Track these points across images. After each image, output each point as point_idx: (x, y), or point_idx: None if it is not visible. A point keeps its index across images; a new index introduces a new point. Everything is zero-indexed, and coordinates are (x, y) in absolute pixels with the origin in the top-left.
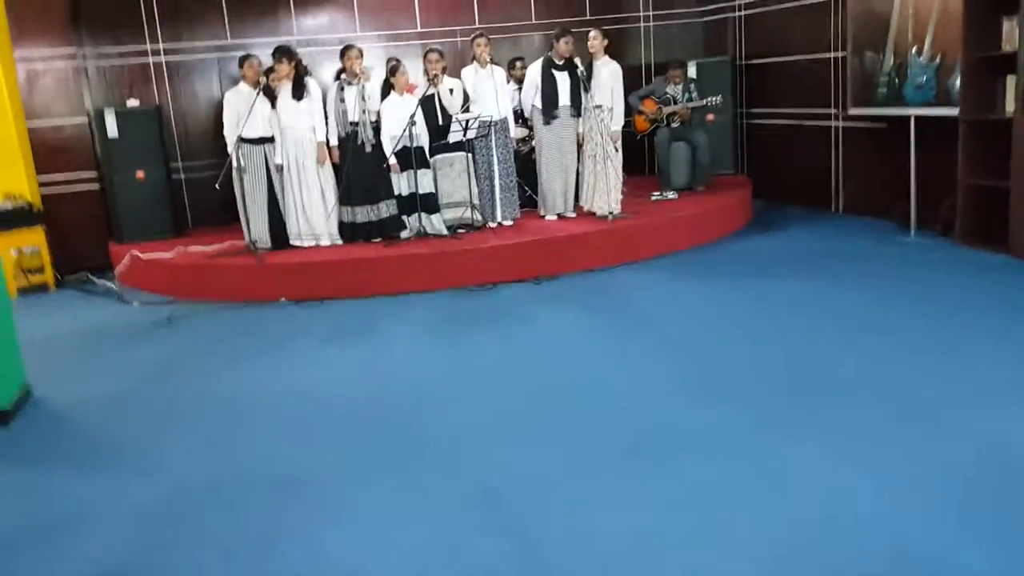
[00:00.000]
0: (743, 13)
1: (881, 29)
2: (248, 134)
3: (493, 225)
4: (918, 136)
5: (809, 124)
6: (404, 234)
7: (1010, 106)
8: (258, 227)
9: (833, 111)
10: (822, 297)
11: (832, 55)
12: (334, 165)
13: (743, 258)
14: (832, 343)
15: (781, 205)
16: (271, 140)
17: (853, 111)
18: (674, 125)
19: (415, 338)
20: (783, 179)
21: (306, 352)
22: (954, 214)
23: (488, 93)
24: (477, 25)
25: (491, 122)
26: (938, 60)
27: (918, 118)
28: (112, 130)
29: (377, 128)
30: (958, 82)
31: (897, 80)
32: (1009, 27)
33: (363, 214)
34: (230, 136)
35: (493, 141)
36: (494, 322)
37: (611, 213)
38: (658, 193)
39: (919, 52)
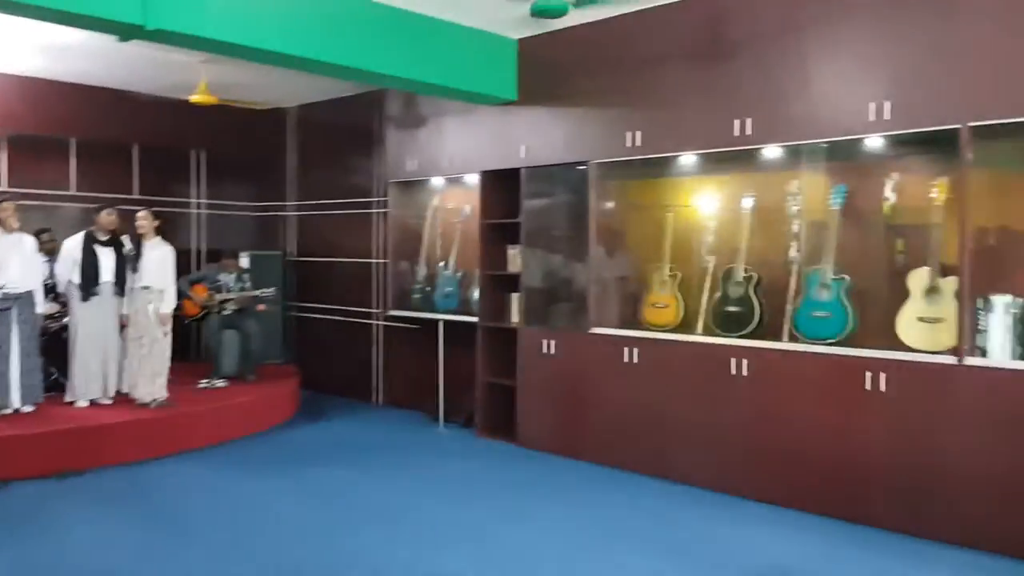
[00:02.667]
0: (295, 213)
1: (416, 243)
2: None
3: (8, 411)
4: (446, 338)
5: (353, 321)
6: None
7: (515, 317)
8: None
9: (375, 310)
10: (360, 484)
11: (375, 261)
12: None
13: (290, 448)
14: (365, 530)
15: (328, 396)
16: None
17: (392, 312)
18: (226, 312)
19: None
20: (330, 371)
21: None
22: (474, 408)
23: (13, 262)
24: (5, 188)
25: (16, 295)
26: (461, 274)
27: (445, 322)
28: None
29: None
30: (476, 293)
31: (429, 288)
32: (513, 253)
33: None
34: None
35: (15, 315)
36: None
37: (155, 400)
38: (206, 381)
39: (446, 266)
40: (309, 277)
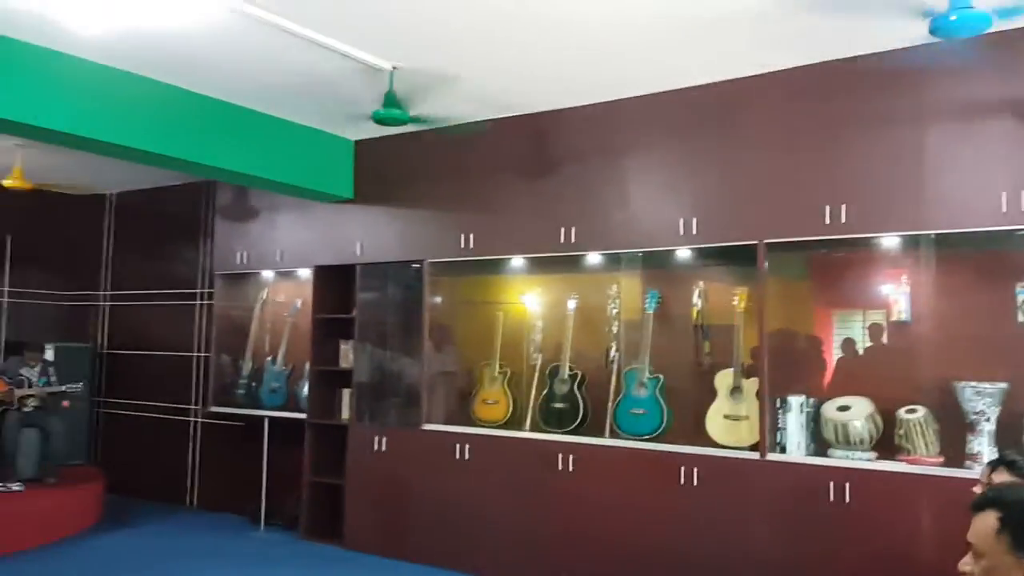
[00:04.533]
0: (108, 304)
1: (242, 337)
2: None
3: None
4: (271, 436)
5: (169, 418)
6: None
7: (346, 413)
8: None
9: (193, 407)
10: None
11: (195, 354)
12: None
13: (91, 559)
14: None
15: (138, 500)
16: None
17: (213, 408)
18: (26, 409)
19: None
20: (140, 473)
21: None
22: (298, 509)
23: None
24: None
25: None
26: (289, 369)
27: (271, 419)
28: None
29: None
30: (305, 389)
31: (254, 383)
32: (345, 348)
33: None
34: None
35: None
36: None
37: None
38: (1, 484)
39: (274, 361)
40: (121, 371)
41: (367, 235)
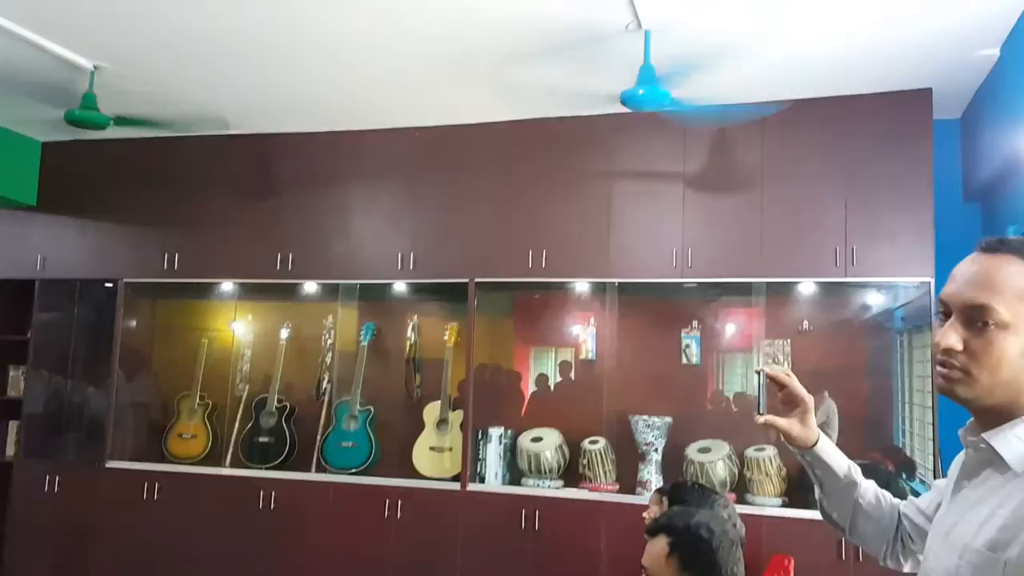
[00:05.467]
0: None
1: None
2: None
3: None
4: None
5: None
6: None
7: (12, 450)
8: None
9: None
10: None
11: None
12: None
13: None
14: None
15: None
16: None
17: None
18: None
19: None
20: None
21: None
22: None
23: None
24: None
25: None
26: None
27: None
28: None
29: None
30: None
31: None
32: (16, 375)
33: None
34: None
35: None
36: None
37: None
38: None
39: None
40: None
41: (51, 247)
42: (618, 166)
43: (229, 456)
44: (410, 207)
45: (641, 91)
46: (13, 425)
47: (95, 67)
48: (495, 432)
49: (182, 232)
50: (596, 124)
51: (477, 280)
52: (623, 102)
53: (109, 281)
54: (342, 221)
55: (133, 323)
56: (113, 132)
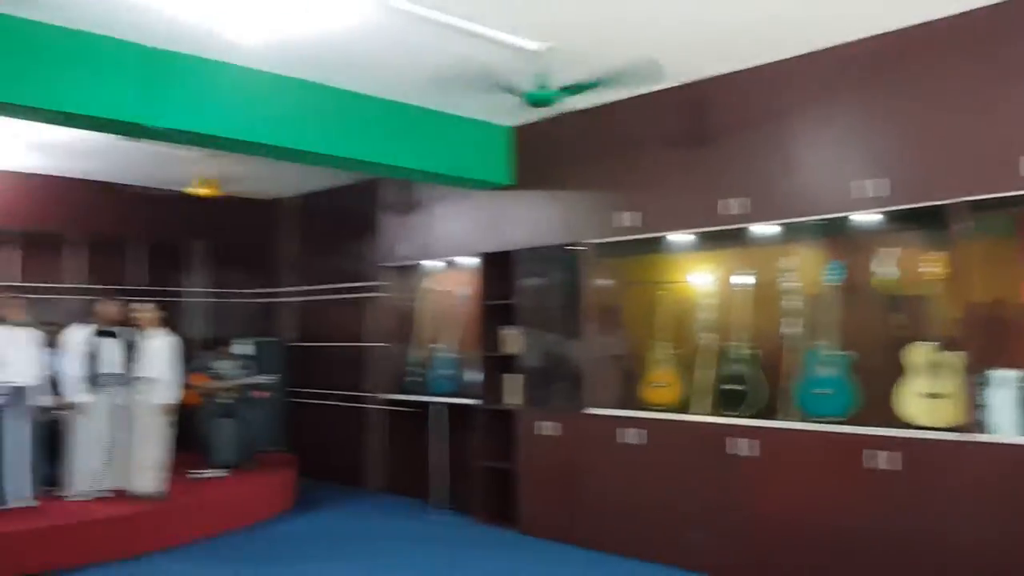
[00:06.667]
0: (288, 300)
1: (409, 326)
2: None
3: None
4: (440, 421)
5: (347, 406)
6: None
7: (511, 398)
8: None
9: (368, 395)
10: None
11: (368, 344)
12: None
13: (284, 541)
14: None
15: (326, 483)
16: None
17: (384, 396)
18: (223, 400)
19: None
20: (327, 458)
21: None
22: (471, 493)
23: (16, 355)
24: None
25: (14, 388)
26: (457, 356)
27: (439, 405)
28: None
29: None
30: (469, 375)
31: (423, 371)
32: (506, 334)
33: None
34: None
35: (12, 410)
36: None
37: (149, 493)
38: (202, 472)
39: (442, 348)
40: (304, 363)
41: (525, 220)
42: None
43: (704, 403)
44: (867, 128)
45: None
46: (507, 378)
47: (544, 49)
48: (1003, 375)
49: (633, 191)
50: None
51: (962, 199)
52: None
53: (574, 246)
54: (788, 156)
55: (600, 281)
56: (564, 106)
